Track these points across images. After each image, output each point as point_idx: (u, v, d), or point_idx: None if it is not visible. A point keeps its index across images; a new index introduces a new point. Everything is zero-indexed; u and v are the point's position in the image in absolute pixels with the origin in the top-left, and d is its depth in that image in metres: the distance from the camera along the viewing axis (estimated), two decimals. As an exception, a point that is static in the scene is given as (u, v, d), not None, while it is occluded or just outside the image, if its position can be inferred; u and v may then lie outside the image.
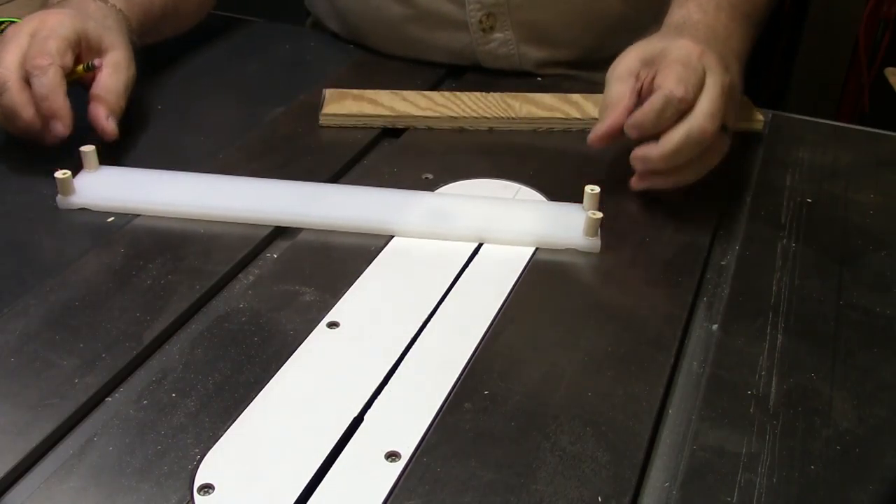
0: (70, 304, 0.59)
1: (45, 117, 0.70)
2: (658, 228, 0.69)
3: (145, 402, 0.52)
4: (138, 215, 0.68)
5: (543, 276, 0.64)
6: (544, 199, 0.72)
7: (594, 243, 0.66)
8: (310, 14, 1.09)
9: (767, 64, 1.50)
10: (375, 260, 0.64)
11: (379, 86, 0.87)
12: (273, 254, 0.66)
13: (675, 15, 0.76)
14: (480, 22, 0.89)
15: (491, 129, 0.81)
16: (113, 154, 0.74)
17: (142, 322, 0.58)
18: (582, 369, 0.56)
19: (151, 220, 0.68)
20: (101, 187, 0.70)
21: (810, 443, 0.51)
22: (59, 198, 0.69)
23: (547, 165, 0.77)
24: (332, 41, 1.00)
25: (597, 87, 0.90)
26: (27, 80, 0.70)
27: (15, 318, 0.57)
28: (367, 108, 0.82)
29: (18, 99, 0.70)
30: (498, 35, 0.90)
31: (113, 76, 0.75)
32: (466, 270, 0.64)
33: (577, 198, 0.69)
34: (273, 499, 0.46)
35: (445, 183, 0.74)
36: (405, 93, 0.84)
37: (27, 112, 0.70)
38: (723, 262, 0.67)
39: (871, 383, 0.56)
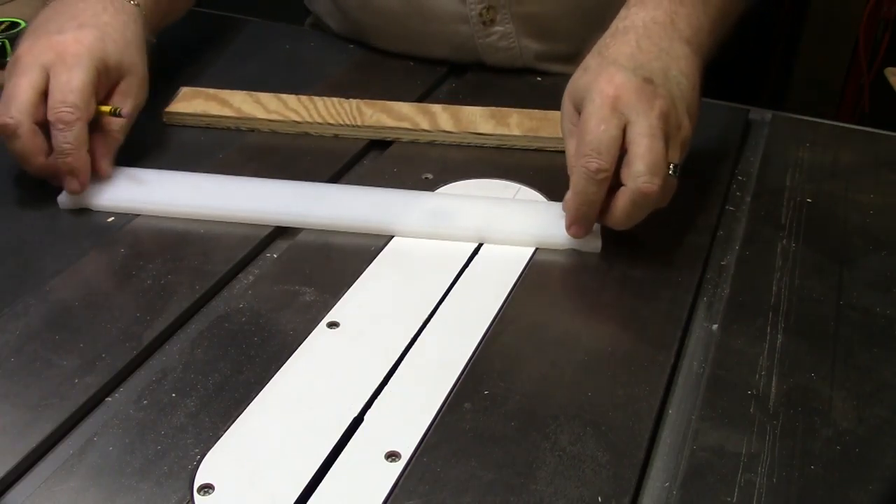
0: (70, 304, 0.59)
1: (62, 170, 0.67)
2: (658, 228, 0.69)
3: (145, 402, 0.52)
4: (139, 215, 0.68)
5: (543, 276, 0.64)
6: (544, 199, 0.72)
7: (594, 243, 0.66)
8: (309, 13, 1.09)
9: (767, 64, 1.50)
10: (375, 260, 0.64)
11: (380, 85, 0.87)
12: (273, 254, 0.66)
13: (618, 17, 0.72)
14: (481, 15, 0.89)
15: (337, 136, 0.79)
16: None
17: (142, 322, 0.58)
18: (582, 369, 0.56)
19: (152, 220, 0.68)
20: (103, 187, 0.70)
21: (810, 443, 0.51)
22: (60, 198, 0.69)
23: (547, 165, 0.77)
24: (332, 41, 1.00)
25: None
26: (40, 123, 0.66)
27: (15, 318, 0.57)
28: (214, 108, 0.80)
29: (30, 146, 0.66)
30: (498, 28, 0.90)
31: (125, 109, 0.71)
32: (466, 271, 0.64)
33: None
34: (273, 499, 0.46)
35: (445, 183, 0.74)
36: (260, 94, 0.83)
37: (38, 160, 0.67)
38: (723, 262, 0.67)
39: (871, 383, 0.56)
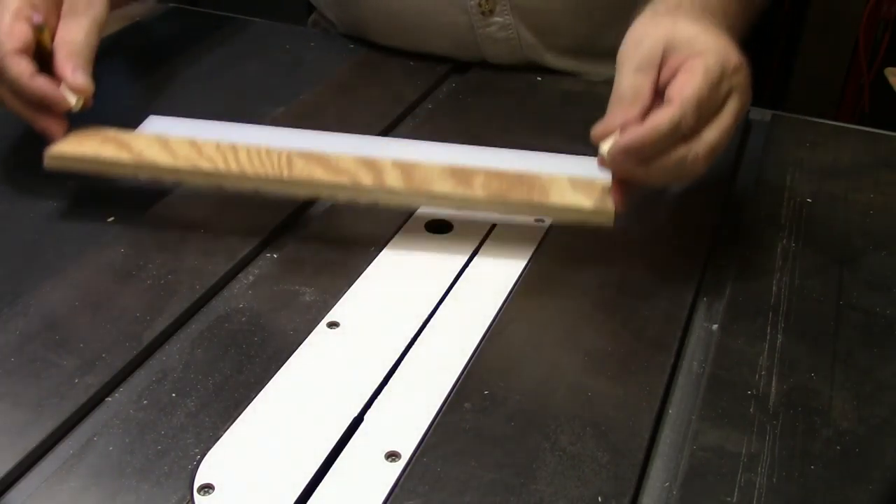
0: (70, 304, 0.59)
1: (36, 105, 0.64)
2: (658, 228, 0.69)
3: (145, 402, 0.52)
4: (139, 217, 0.68)
5: (543, 276, 0.64)
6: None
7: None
8: (311, 12, 1.09)
9: (767, 64, 1.50)
10: (375, 260, 0.64)
11: (380, 85, 0.87)
12: (273, 254, 0.66)
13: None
14: (480, 5, 0.89)
15: (257, 191, 0.66)
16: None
17: (142, 322, 0.58)
18: (582, 369, 0.56)
19: (151, 220, 0.67)
20: (165, 133, 0.71)
21: (810, 443, 0.51)
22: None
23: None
24: (333, 41, 1.00)
25: (595, 86, 0.90)
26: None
27: (15, 318, 0.57)
28: (108, 151, 0.65)
29: (13, 103, 0.65)
30: (497, 19, 0.90)
31: (71, 23, 0.66)
32: (466, 271, 0.64)
33: None
34: (273, 499, 0.46)
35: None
36: (171, 139, 0.68)
37: (13, 104, 0.65)
38: (723, 262, 0.67)
39: (871, 383, 0.56)
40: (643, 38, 0.62)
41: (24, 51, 0.63)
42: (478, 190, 0.65)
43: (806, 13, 1.47)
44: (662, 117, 0.58)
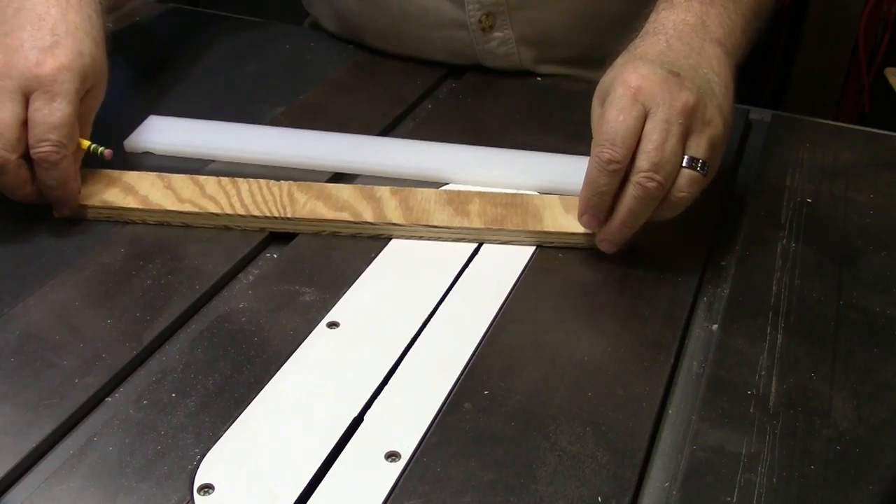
0: (70, 304, 0.59)
1: (49, 199, 0.65)
2: (658, 228, 0.69)
3: (145, 402, 0.52)
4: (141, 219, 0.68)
5: (543, 276, 0.64)
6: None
7: None
8: (308, 14, 1.09)
9: (767, 64, 1.50)
10: (375, 260, 0.65)
11: (380, 86, 0.87)
12: (273, 254, 0.66)
13: (647, 21, 0.71)
14: (480, 21, 0.89)
15: (263, 230, 0.67)
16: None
17: (142, 322, 0.58)
18: (582, 369, 0.56)
19: (150, 223, 0.68)
20: (165, 133, 0.76)
21: (810, 443, 0.51)
22: (126, 141, 0.75)
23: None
24: (332, 41, 1.00)
25: (595, 86, 0.90)
26: (26, 155, 0.63)
27: (15, 318, 0.57)
28: (115, 199, 0.68)
29: (17, 181, 0.63)
30: (497, 34, 0.90)
31: (87, 126, 0.68)
32: (466, 271, 0.64)
33: None
34: (273, 499, 0.46)
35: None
36: (173, 177, 0.70)
37: (24, 190, 0.64)
38: (723, 262, 0.67)
39: (871, 383, 0.56)
40: (593, 102, 0.66)
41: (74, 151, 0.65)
42: (475, 219, 0.67)
43: (806, 13, 1.47)
44: (587, 171, 0.62)
